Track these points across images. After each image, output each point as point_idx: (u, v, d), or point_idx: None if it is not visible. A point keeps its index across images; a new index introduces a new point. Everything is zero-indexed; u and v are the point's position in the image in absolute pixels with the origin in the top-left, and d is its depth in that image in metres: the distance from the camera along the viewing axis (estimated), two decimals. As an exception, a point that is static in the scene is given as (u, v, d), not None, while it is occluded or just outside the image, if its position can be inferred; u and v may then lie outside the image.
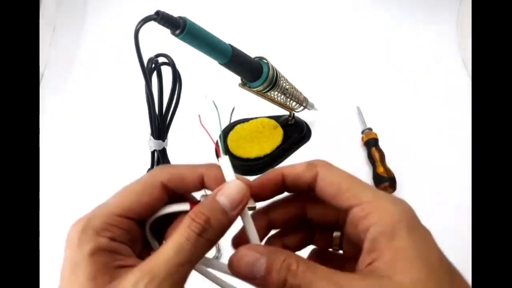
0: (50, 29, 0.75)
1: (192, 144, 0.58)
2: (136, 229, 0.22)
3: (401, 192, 0.52)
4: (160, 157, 0.44)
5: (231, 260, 0.21)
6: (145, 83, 0.36)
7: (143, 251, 0.22)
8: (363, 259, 0.20)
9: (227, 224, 0.21)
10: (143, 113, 0.41)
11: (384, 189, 0.51)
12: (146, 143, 0.43)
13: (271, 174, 0.24)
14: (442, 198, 0.52)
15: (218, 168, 0.22)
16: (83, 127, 0.63)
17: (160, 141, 0.42)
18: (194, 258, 0.19)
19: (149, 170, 0.46)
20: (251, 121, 0.59)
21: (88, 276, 0.19)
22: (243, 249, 0.20)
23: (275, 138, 0.57)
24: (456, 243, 0.38)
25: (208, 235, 0.20)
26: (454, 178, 0.54)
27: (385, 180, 0.51)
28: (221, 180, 0.22)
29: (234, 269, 0.20)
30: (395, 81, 0.71)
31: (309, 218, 0.25)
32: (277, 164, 0.56)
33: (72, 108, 0.66)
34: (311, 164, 0.23)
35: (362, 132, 0.59)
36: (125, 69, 0.63)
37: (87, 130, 0.62)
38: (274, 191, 0.24)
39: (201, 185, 0.22)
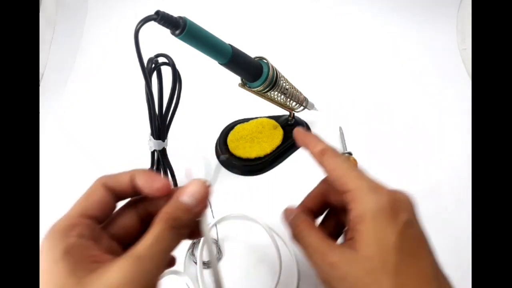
0: (50, 29, 0.75)
1: (192, 144, 0.58)
2: (97, 229, 0.24)
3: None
4: (160, 157, 0.44)
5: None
6: (145, 83, 0.36)
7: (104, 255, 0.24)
8: (347, 234, 0.27)
9: (192, 218, 0.25)
10: (143, 113, 0.41)
11: None
12: (146, 143, 0.43)
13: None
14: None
15: (144, 170, 0.26)
16: (83, 127, 0.63)
17: (160, 141, 0.42)
18: (170, 246, 0.23)
19: (148, 170, 0.45)
20: (251, 121, 0.59)
21: (67, 272, 0.20)
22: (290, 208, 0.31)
23: (275, 138, 0.57)
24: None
25: (178, 229, 0.24)
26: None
27: None
28: (148, 177, 0.26)
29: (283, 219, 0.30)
30: (395, 81, 0.71)
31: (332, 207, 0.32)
32: (277, 164, 0.56)
33: (72, 108, 0.66)
34: (323, 150, 0.29)
35: None
36: (125, 69, 0.63)
37: (87, 130, 0.62)
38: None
39: (133, 183, 0.26)
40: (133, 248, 0.22)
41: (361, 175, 0.27)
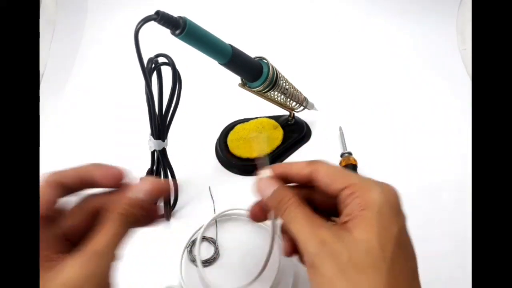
0: (50, 29, 0.75)
1: (192, 144, 0.58)
2: (44, 228, 0.25)
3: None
4: (160, 157, 0.44)
5: (256, 180, 0.29)
6: (145, 83, 0.36)
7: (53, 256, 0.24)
8: (340, 219, 0.26)
9: (144, 213, 0.26)
10: (143, 113, 0.41)
11: None
12: (146, 143, 0.43)
13: (277, 168, 0.30)
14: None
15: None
16: (83, 127, 0.63)
17: (160, 141, 0.42)
18: (123, 241, 0.24)
19: (149, 170, 0.46)
20: (251, 121, 0.59)
21: None
22: (265, 178, 0.29)
23: (275, 138, 0.57)
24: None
25: (131, 224, 0.25)
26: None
27: None
28: (103, 167, 0.26)
29: (255, 185, 0.29)
30: (395, 81, 0.71)
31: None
32: (277, 164, 0.56)
33: (72, 108, 0.66)
34: (311, 162, 0.29)
35: (341, 156, 0.55)
36: (125, 69, 0.63)
37: (87, 130, 0.62)
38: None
39: (81, 175, 0.26)
40: (89, 245, 0.23)
41: (356, 173, 0.27)
